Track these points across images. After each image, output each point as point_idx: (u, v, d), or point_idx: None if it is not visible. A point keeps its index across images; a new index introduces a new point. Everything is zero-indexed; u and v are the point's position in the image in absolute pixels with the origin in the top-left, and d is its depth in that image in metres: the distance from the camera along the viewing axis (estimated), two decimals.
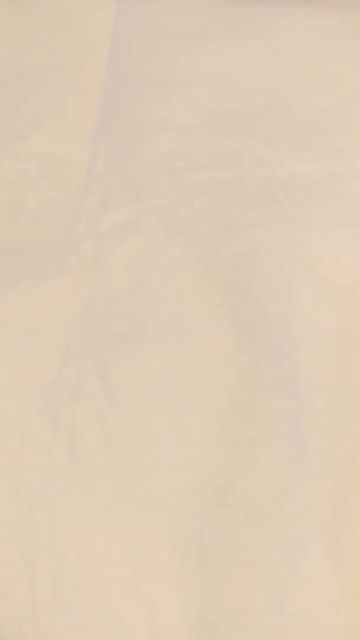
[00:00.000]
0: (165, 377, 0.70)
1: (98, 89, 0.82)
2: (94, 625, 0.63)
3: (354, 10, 0.85)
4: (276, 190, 0.78)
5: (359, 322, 0.73)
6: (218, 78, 0.82)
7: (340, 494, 0.68)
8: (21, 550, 0.65)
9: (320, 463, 0.69)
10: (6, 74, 0.83)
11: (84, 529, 0.65)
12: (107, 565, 0.65)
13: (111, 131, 0.80)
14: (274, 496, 0.67)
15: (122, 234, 0.75)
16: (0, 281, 0.74)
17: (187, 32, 0.85)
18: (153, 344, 0.72)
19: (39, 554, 0.65)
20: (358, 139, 0.80)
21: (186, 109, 0.81)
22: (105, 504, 0.66)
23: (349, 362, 0.71)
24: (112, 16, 0.85)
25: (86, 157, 0.78)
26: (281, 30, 0.83)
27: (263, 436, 0.69)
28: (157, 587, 0.64)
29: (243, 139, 0.80)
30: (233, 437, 0.69)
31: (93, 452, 0.67)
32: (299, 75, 0.82)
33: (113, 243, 0.74)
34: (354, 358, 0.72)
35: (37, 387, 0.69)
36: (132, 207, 0.76)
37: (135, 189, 0.77)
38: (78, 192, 0.76)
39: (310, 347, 0.72)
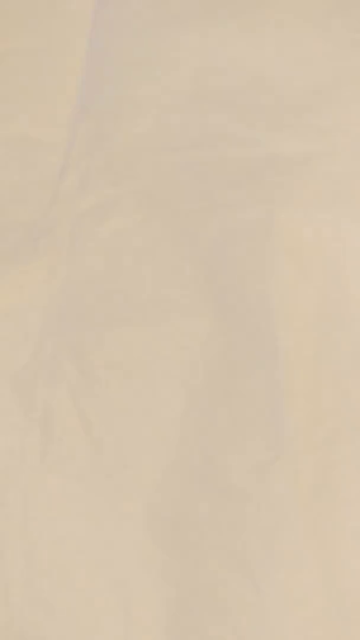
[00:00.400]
0: (143, 359, 0.70)
1: (79, 71, 0.81)
2: (67, 609, 0.62)
3: None
4: (257, 170, 0.77)
5: (340, 303, 0.72)
6: (199, 59, 0.81)
7: (320, 474, 0.67)
8: None
9: (300, 444, 0.68)
10: None
11: (58, 511, 0.65)
12: (81, 548, 0.64)
13: (90, 113, 0.79)
14: (253, 477, 0.67)
15: (100, 216, 0.74)
16: None
17: (168, 13, 0.84)
18: (131, 326, 0.71)
19: (11, 536, 0.64)
20: (340, 117, 0.80)
21: (167, 90, 0.80)
22: (80, 486, 0.65)
23: (329, 343, 0.70)
24: None
25: (64, 140, 0.77)
26: (261, 9, 0.82)
27: (242, 417, 0.68)
28: (133, 570, 0.64)
29: (224, 119, 0.79)
30: (212, 419, 0.68)
31: (67, 434, 0.66)
32: (280, 53, 0.81)
33: (90, 225, 0.74)
34: (334, 338, 0.71)
35: (12, 369, 0.69)
36: (110, 189, 0.75)
37: (113, 170, 0.76)
38: (55, 174, 0.76)
39: (290, 328, 0.71)
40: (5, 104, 0.80)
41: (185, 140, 0.78)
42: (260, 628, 0.63)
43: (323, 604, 0.64)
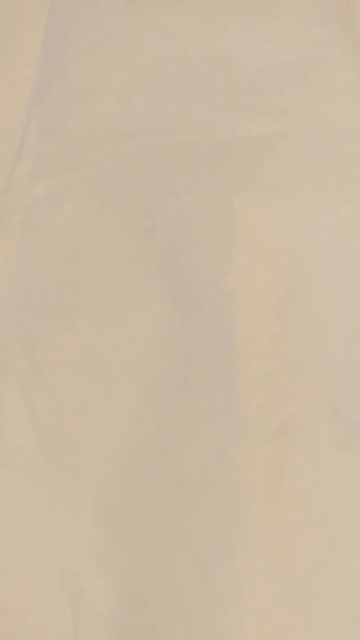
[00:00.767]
0: (96, 349, 0.69)
1: (35, 58, 0.80)
2: (16, 604, 0.62)
3: None
4: (217, 153, 0.75)
5: (298, 290, 0.70)
6: (157, 41, 0.80)
7: (275, 464, 0.66)
8: None
9: (255, 433, 0.66)
10: None
11: (5, 503, 0.64)
12: (30, 542, 0.63)
13: (46, 99, 0.78)
14: (206, 467, 0.65)
15: (54, 203, 0.73)
16: None
17: None
18: (84, 316, 0.70)
19: None
20: (304, 97, 0.78)
21: (125, 74, 0.79)
22: (29, 479, 0.64)
23: (286, 330, 0.69)
24: None
25: (19, 126, 0.76)
26: None
27: (197, 406, 0.67)
28: (83, 564, 0.63)
29: (184, 102, 0.78)
30: (166, 408, 0.67)
31: (16, 427, 0.65)
32: (239, 35, 0.79)
33: (43, 213, 0.72)
34: (291, 327, 0.69)
35: None
36: (64, 175, 0.74)
37: (68, 157, 0.75)
38: (9, 161, 0.75)
39: (248, 315, 0.70)
40: None
41: (144, 124, 0.77)
42: (214, 621, 0.62)
43: (278, 595, 0.63)
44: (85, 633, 0.61)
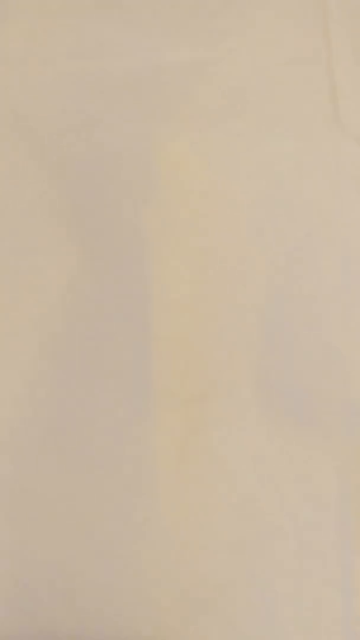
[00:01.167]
0: None
1: None
2: None
3: None
4: (141, 81, 0.67)
5: (224, 239, 0.63)
6: None
7: (188, 434, 0.59)
8: None
9: (168, 399, 0.60)
10: None
11: None
12: None
13: None
14: (110, 438, 0.59)
15: None
16: None
17: None
18: None
19: None
20: (239, 18, 0.69)
21: None
22: None
23: (206, 285, 0.62)
24: None
25: None
26: None
27: (104, 368, 0.60)
28: None
29: (106, 24, 0.69)
30: (68, 367, 0.60)
31: None
32: None
33: None
34: (212, 280, 0.62)
35: None
36: None
37: None
38: None
39: (165, 266, 0.62)
40: None
41: (62, 49, 0.68)
42: (108, 593, 0.56)
43: (174, 567, 0.56)
44: None
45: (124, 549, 0.57)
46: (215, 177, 0.64)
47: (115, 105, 0.66)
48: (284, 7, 0.69)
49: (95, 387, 0.60)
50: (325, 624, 0.57)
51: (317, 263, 0.62)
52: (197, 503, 0.58)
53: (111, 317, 0.61)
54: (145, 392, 0.60)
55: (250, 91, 0.67)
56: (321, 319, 0.61)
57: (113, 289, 0.62)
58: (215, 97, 0.66)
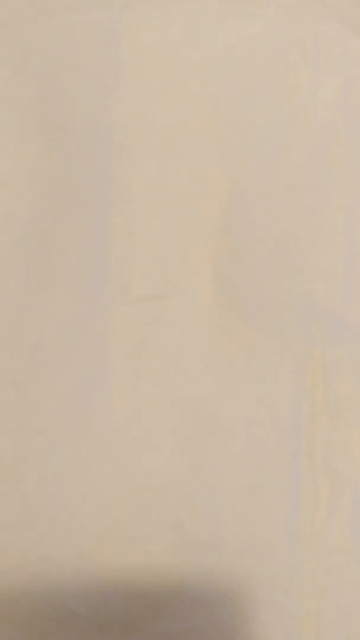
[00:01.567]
0: None
1: None
2: None
3: None
4: None
5: (192, 129, 0.61)
6: None
7: (141, 330, 0.58)
8: None
9: (123, 296, 0.59)
10: None
11: None
12: None
13: None
14: (60, 335, 0.58)
15: None
16: None
17: None
18: None
19: None
20: None
21: None
22: None
23: (165, 183, 0.60)
24: None
25: None
26: None
27: (60, 261, 0.59)
28: None
29: None
30: (25, 259, 0.59)
31: None
32: None
33: None
34: (178, 172, 0.60)
35: None
36: None
37: None
38: None
39: (131, 156, 0.61)
40: None
41: None
42: (56, 488, 0.57)
43: (125, 463, 0.57)
44: None
45: (75, 443, 0.57)
46: (184, 60, 0.62)
47: None
48: None
49: (51, 280, 0.59)
50: (271, 524, 0.57)
51: (282, 157, 0.60)
52: (149, 400, 0.58)
53: (72, 210, 0.60)
54: (101, 287, 0.59)
55: None
56: (283, 217, 0.59)
57: (76, 180, 0.60)
58: None
